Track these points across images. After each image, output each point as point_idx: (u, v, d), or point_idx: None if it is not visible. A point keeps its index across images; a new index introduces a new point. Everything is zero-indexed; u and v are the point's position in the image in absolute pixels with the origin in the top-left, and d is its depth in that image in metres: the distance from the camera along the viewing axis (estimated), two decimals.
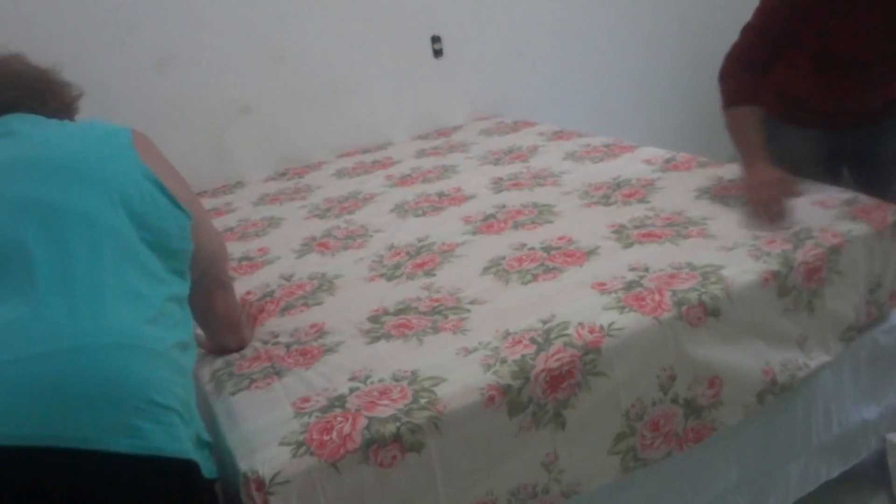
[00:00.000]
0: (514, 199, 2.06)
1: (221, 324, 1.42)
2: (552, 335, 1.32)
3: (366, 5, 2.91)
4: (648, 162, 2.17)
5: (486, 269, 1.64)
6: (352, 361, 1.35)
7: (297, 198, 2.45)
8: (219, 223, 2.26)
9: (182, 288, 1.16)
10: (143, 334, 1.00)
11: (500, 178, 2.26)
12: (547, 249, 1.68)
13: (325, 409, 1.21)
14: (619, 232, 1.71)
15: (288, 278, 1.78)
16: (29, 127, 1.16)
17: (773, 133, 1.98)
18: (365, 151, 2.95)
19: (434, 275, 1.66)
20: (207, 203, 2.42)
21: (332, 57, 2.92)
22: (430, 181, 2.38)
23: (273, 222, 2.24)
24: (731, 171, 1.96)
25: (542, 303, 1.44)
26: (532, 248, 1.70)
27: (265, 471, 1.10)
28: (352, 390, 1.26)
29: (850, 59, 1.73)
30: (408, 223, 2.02)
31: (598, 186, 2.03)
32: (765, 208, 1.63)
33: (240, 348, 1.47)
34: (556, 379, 1.26)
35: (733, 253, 1.52)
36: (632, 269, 1.52)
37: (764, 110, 1.81)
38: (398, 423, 1.16)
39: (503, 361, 1.27)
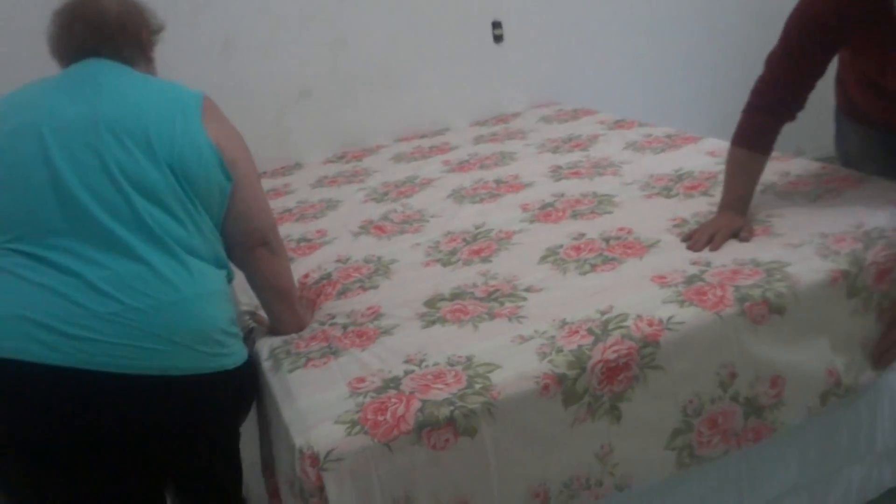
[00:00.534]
0: (573, 187, 2.03)
1: (267, 286, 1.43)
2: (610, 326, 1.30)
3: None
4: (712, 154, 2.11)
5: (543, 258, 1.63)
6: (407, 344, 1.36)
7: (355, 181, 2.47)
8: (277, 204, 2.29)
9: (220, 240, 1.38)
10: (211, 281, 1.28)
11: (559, 167, 2.24)
12: (606, 240, 1.66)
13: (379, 390, 1.23)
14: (681, 226, 1.67)
15: (345, 261, 1.80)
16: (112, 80, 1.32)
17: (839, 127, 1.91)
18: (423, 136, 2.95)
19: (490, 261, 1.66)
20: (267, 184, 2.45)
21: (392, 41, 2.93)
22: (487, 167, 2.37)
23: (331, 204, 2.26)
24: (799, 165, 1.90)
25: (600, 293, 1.42)
26: (591, 239, 1.68)
27: (320, 447, 1.12)
28: (406, 373, 1.27)
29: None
30: (464, 209, 2.02)
31: (660, 178, 1.99)
32: (702, 245, 1.55)
33: (298, 329, 1.48)
34: (612, 371, 1.25)
35: (799, 250, 1.48)
36: (693, 264, 1.48)
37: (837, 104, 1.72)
38: (452, 407, 1.17)
39: (559, 351, 1.26)
